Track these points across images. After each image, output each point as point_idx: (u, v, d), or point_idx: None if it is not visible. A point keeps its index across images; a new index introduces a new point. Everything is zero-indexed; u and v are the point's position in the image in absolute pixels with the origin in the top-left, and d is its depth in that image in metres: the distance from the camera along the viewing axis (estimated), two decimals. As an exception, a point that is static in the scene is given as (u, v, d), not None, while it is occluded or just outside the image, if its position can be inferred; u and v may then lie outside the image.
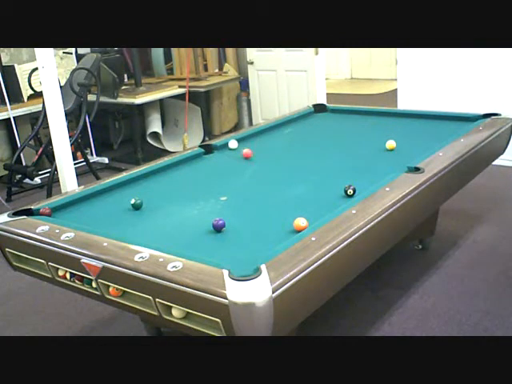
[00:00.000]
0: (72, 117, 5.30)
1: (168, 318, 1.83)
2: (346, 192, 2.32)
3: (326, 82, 5.63)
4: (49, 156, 5.06)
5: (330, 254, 1.86)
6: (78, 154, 5.69)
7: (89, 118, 5.29)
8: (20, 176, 5.13)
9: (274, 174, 2.81)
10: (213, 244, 2.06)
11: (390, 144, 2.98)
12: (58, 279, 2.15)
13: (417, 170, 2.52)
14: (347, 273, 2.08)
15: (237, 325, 1.62)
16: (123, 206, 2.45)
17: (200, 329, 1.75)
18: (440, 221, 3.33)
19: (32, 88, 5.48)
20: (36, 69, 5.11)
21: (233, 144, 3.24)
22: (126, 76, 6.18)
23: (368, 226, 2.05)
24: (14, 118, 5.25)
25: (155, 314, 1.85)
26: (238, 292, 1.61)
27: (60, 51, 5.89)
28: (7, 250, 2.29)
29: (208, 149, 3.21)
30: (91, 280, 1.99)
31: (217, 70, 6.45)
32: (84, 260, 1.96)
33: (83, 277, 2.02)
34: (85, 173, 5.39)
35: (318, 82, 5.44)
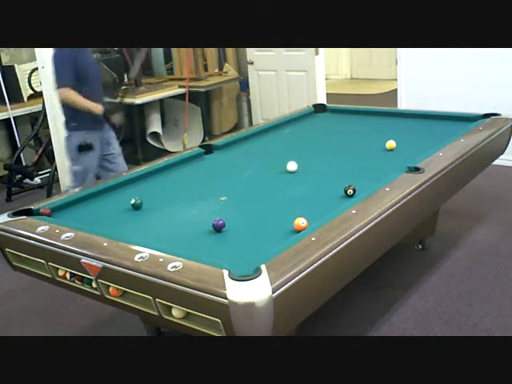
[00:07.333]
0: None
1: (168, 317, 1.83)
2: (346, 192, 2.32)
3: (326, 82, 5.62)
4: (49, 156, 5.06)
5: (330, 253, 1.86)
6: (78, 153, 5.68)
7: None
8: (20, 176, 5.12)
9: (273, 174, 2.80)
10: (213, 244, 2.06)
11: (390, 144, 2.98)
12: (58, 279, 2.15)
13: (417, 169, 2.51)
14: (347, 273, 2.08)
15: (237, 325, 1.62)
16: (123, 206, 2.45)
17: (200, 329, 1.75)
18: (440, 221, 3.32)
19: (32, 88, 5.47)
20: (36, 69, 5.10)
21: (292, 166, 2.81)
22: (125, 76, 6.17)
23: (368, 226, 2.04)
24: (13, 117, 5.24)
25: (155, 313, 1.85)
26: (238, 292, 1.61)
27: (60, 51, 5.88)
28: (7, 250, 2.30)
29: (208, 149, 3.21)
30: (91, 280, 1.99)
31: (217, 70, 6.44)
32: (84, 260, 1.96)
33: (83, 277, 2.02)
34: (85, 173, 5.38)
35: (318, 82, 5.44)
